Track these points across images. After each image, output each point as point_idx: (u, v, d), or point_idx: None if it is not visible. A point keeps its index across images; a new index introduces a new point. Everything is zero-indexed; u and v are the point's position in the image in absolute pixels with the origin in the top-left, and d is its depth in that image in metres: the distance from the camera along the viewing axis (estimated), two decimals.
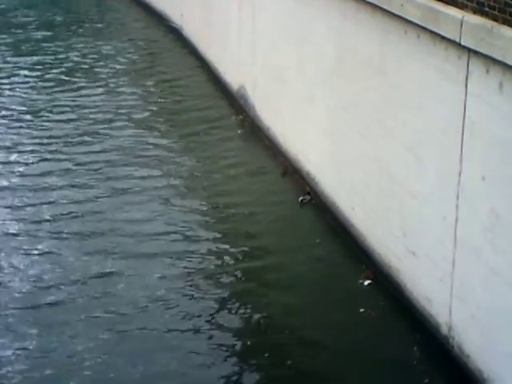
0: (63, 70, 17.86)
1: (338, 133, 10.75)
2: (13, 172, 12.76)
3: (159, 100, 16.24)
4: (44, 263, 10.13)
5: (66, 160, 13.20)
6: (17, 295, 9.49)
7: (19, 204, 11.73)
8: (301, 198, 11.72)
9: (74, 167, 12.91)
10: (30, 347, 8.53)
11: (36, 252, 10.40)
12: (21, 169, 12.88)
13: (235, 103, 15.39)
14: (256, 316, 9.19)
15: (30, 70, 17.89)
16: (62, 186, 12.25)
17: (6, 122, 14.85)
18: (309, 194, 11.76)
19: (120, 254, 10.32)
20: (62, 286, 9.61)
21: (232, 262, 10.29)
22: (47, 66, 18.21)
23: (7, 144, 13.82)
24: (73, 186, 12.22)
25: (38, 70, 17.90)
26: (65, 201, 11.79)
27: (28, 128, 14.59)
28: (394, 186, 9.17)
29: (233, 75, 15.60)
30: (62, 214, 11.37)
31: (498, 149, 7.06)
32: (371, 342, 8.62)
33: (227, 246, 10.63)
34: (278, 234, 11.00)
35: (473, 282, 7.65)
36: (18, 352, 8.45)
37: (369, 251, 9.95)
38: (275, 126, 13.43)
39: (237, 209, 11.65)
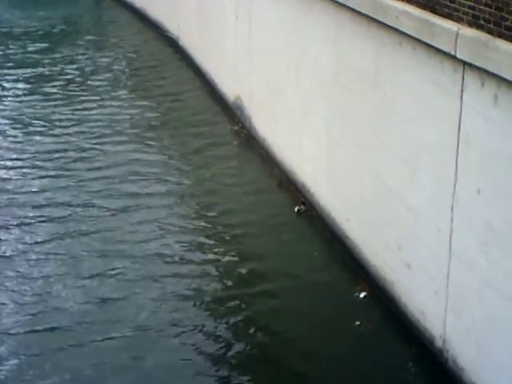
0: (58, 82, 17.72)
1: (333, 144, 10.74)
2: (7, 188, 12.54)
3: (155, 111, 16.21)
4: (41, 286, 9.89)
5: (61, 177, 12.94)
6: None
7: (14, 222, 11.47)
8: (297, 208, 11.74)
9: (70, 184, 12.63)
10: None
11: (33, 274, 10.14)
12: (15, 185, 12.66)
13: (231, 114, 15.39)
14: (250, 327, 9.19)
15: (27, 83, 17.74)
16: (59, 203, 12.01)
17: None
18: (303, 203, 11.78)
19: (116, 275, 10.07)
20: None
21: (231, 275, 10.29)
22: (43, 78, 18.06)
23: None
24: (69, 205, 11.93)
25: (35, 82, 17.75)
26: (61, 220, 11.53)
27: (22, 143, 14.34)
28: (388, 198, 9.15)
29: (229, 86, 15.60)
30: (58, 233, 11.15)
31: (493, 162, 7.05)
32: (366, 355, 8.59)
33: (225, 263, 10.64)
34: (273, 248, 10.94)
35: (467, 294, 7.63)
36: None
37: (364, 263, 9.93)
38: (271, 137, 13.42)
39: (232, 221, 11.62)
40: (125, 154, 13.84)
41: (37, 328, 9.06)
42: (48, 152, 13.93)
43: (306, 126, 11.73)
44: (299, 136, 12.01)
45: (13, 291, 9.74)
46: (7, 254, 10.59)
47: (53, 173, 13.10)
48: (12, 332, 8.97)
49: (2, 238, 11.04)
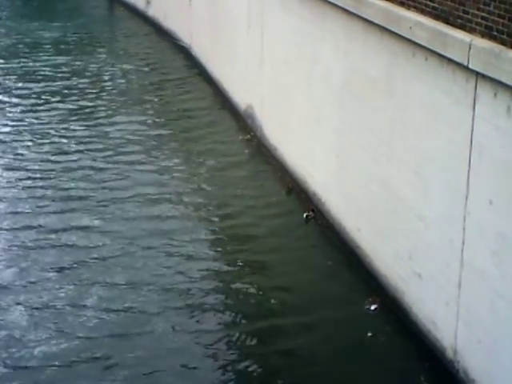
0: (67, 96, 17.34)
1: (344, 153, 10.75)
2: (17, 210, 12.11)
3: (166, 118, 16.25)
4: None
5: (73, 198, 12.44)
6: None
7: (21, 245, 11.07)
8: (306, 215, 11.80)
9: (80, 206, 12.17)
10: None
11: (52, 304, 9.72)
12: (24, 206, 12.19)
13: (243, 123, 15.43)
14: (259, 338, 9.16)
15: (37, 97, 17.31)
16: (71, 226, 11.59)
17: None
18: (313, 210, 11.82)
19: (133, 303, 9.68)
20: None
21: (243, 286, 10.27)
22: (55, 92, 17.60)
23: (10, 178, 13.25)
24: (81, 229, 11.48)
25: (47, 96, 17.32)
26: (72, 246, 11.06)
27: (31, 160, 13.91)
28: (400, 207, 9.15)
29: (240, 95, 15.65)
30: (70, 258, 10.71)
31: (505, 172, 7.05)
32: (378, 367, 8.59)
33: (233, 269, 10.68)
34: (281, 257, 10.92)
35: (479, 305, 7.61)
36: None
37: (375, 273, 9.92)
38: (282, 145, 13.44)
39: (243, 230, 11.64)
40: (135, 164, 13.81)
41: None
42: (58, 170, 13.50)
43: (317, 134, 11.74)
44: (310, 145, 12.03)
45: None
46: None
47: (64, 193, 12.63)
48: None
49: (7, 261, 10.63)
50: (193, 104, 17.00)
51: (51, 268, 10.46)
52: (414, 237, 8.85)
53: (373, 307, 9.55)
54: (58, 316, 9.44)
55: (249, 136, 14.91)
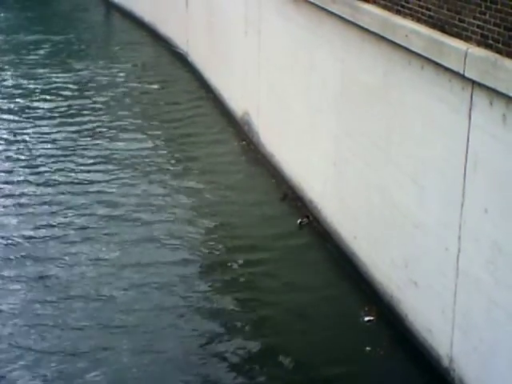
0: (61, 112, 16.87)
1: (341, 161, 10.76)
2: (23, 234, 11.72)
3: (163, 124, 16.26)
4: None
5: (76, 226, 11.94)
6: None
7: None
8: (299, 221, 11.80)
9: (79, 234, 11.65)
10: None
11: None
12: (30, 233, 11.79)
13: (239, 129, 15.44)
14: (254, 350, 9.16)
15: (37, 111, 17.03)
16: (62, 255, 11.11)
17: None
18: (307, 217, 11.80)
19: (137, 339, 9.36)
20: None
21: (239, 294, 10.30)
22: (52, 109, 17.12)
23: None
24: (82, 257, 11.08)
25: (46, 113, 16.96)
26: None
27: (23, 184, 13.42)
28: (396, 215, 9.16)
29: (237, 101, 15.66)
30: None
31: (501, 181, 7.06)
32: (375, 378, 8.61)
33: (225, 278, 10.70)
34: (277, 264, 10.90)
35: (474, 313, 7.62)
36: None
37: (370, 281, 9.91)
38: (278, 152, 13.45)
39: (238, 237, 11.63)
40: (133, 174, 13.82)
41: None
42: (59, 193, 13.11)
43: (313, 141, 11.75)
44: (307, 152, 12.04)
45: None
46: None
47: (64, 219, 12.17)
48: None
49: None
50: (189, 110, 16.97)
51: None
52: (410, 245, 8.86)
53: (368, 318, 9.50)
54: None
55: (245, 142, 14.92)
